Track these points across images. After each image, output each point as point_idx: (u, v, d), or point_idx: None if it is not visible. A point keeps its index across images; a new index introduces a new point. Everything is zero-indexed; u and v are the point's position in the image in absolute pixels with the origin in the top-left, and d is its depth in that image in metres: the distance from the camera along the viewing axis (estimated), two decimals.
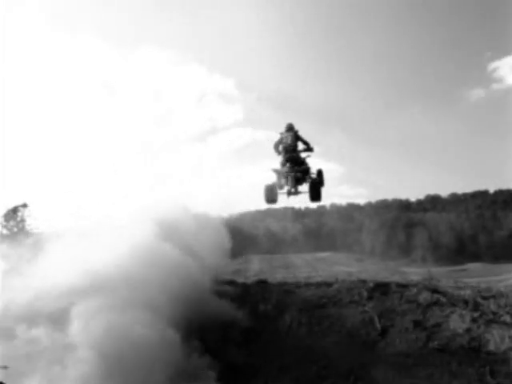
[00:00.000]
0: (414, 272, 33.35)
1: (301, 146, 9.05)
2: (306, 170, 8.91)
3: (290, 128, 8.87)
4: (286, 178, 8.67)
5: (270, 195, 9.06)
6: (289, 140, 8.70)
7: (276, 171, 9.00)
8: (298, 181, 8.75)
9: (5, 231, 28.33)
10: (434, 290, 14.76)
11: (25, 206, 29.96)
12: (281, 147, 8.90)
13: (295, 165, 8.67)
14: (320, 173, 9.11)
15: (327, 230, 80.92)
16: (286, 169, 8.63)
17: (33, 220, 30.05)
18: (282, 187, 9.07)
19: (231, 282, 16.65)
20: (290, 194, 8.94)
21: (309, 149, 8.93)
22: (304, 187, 9.19)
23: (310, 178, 9.16)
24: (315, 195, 8.82)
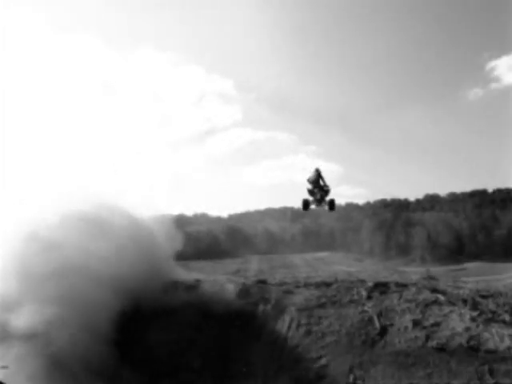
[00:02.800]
0: (412, 271, 33.39)
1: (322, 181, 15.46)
2: (326, 192, 15.34)
3: (316, 170, 15.22)
4: (315, 196, 15.30)
5: (306, 205, 15.62)
6: (314, 177, 15.13)
7: (309, 192, 15.48)
8: (321, 198, 15.23)
9: None
10: (433, 290, 14.79)
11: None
12: (311, 179, 15.29)
13: (320, 190, 15.24)
14: (332, 200, 15.51)
15: (326, 229, 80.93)
16: (314, 189, 15.41)
17: None
18: (312, 202, 15.54)
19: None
20: (317, 205, 15.45)
21: (325, 185, 15.29)
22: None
23: (326, 199, 15.43)
24: (331, 207, 15.44)
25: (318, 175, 15.40)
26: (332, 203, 15.49)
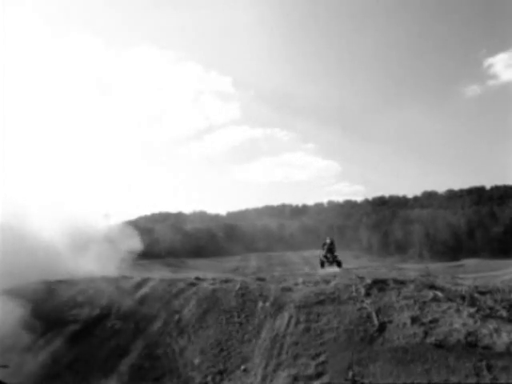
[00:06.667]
0: (411, 268, 33.45)
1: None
2: (336, 256, 22.09)
3: (331, 240, 22.23)
4: (328, 259, 22.06)
5: (322, 264, 22.26)
6: (329, 245, 21.85)
7: (324, 256, 22.17)
8: (333, 260, 21.74)
9: None
10: (432, 286, 14.83)
11: None
12: (327, 247, 22.11)
13: (331, 253, 21.99)
14: (339, 261, 22.04)
15: (325, 227, 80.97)
16: (327, 255, 22.33)
17: None
18: (325, 262, 22.28)
19: None
20: (329, 265, 21.88)
21: (335, 252, 22.25)
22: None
23: (336, 259, 22.37)
24: (339, 265, 21.50)
25: (332, 243, 22.96)
26: (339, 263, 22.13)
